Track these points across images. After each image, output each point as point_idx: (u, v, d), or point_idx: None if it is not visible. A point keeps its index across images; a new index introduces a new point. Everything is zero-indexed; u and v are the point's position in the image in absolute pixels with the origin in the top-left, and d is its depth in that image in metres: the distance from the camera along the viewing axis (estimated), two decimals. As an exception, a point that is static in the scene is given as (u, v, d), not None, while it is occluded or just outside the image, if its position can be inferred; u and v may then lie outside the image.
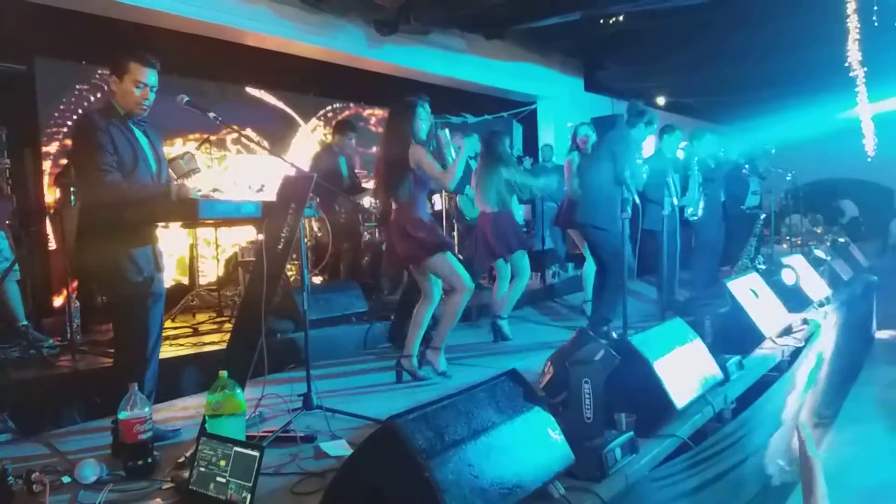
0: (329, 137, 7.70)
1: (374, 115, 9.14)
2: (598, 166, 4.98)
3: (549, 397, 2.58)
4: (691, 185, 5.74)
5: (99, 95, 6.16)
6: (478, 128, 7.78)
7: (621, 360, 2.58)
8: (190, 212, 2.77)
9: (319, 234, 5.87)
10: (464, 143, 3.97)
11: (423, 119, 3.95)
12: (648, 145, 6.17)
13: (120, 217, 2.74)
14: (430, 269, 3.98)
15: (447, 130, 4.13)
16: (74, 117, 5.94)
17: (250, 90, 7.59)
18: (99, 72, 6.14)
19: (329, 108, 8.44)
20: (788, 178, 8.48)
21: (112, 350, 3.28)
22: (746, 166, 7.28)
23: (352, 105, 8.88)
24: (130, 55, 2.89)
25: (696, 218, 5.87)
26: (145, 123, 3.00)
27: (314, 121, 8.29)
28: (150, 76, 2.91)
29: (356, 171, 6.49)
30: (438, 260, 3.92)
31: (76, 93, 6.13)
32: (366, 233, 6.43)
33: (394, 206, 3.99)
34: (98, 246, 2.82)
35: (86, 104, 6.12)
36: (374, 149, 6.68)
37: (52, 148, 6.01)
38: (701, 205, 5.87)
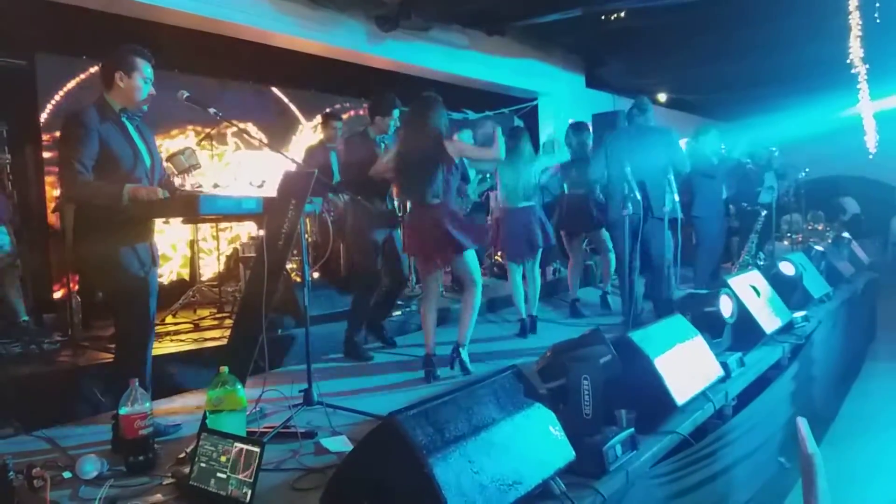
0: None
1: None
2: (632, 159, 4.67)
3: (542, 382, 2.56)
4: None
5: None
6: (479, 123, 7.74)
7: (622, 356, 2.58)
8: (190, 208, 2.77)
9: (319, 232, 5.86)
10: (497, 134, 3.94)
11: (445, 114, 3.98)
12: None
13: (120, 212, 2.74)
14: (456, 265, 4.07)
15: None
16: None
17: (250, 86, 7.57)
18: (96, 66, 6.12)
19: (330, 104, 8.41)
20: (802, 175, 8.49)
21: (113, 346, 3.28)
22: (749, 162, 7.26)
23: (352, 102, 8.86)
24: (137, 51, 2.94)
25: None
26: (138, 118, 3.00)
27: (315, 117, 8.27)
28: (150, 70, 2.98)
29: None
30: (468, 256, 4.01)
31: (77, 88, 6.11)
32: None
33: (425, 203, 3.94)
34: (98, 241, 2.82)
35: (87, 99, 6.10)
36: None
37: (53, 143, 5.99)
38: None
